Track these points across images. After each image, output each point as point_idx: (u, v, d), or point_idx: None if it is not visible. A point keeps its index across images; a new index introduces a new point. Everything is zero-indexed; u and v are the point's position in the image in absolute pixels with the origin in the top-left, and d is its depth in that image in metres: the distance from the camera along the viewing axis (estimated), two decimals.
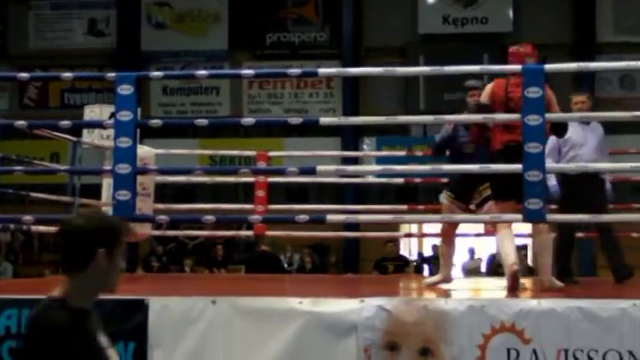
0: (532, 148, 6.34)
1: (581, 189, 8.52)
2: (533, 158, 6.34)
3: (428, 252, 20.26)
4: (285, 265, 18.93)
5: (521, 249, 20.02)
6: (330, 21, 23.59)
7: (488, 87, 7.54)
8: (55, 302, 3.27)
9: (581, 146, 8.82)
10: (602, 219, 7.16)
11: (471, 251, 19.52)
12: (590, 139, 8.85)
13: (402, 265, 16.56)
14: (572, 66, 8.51)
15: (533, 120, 6.36)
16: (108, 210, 9.53)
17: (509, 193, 7.06)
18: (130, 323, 5.85)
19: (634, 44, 21.98)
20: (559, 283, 7.30)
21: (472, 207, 8.04)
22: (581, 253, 21.34)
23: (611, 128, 20.33)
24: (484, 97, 7.51)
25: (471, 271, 18.36)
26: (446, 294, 6.82)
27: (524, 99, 6.47)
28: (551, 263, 7.54)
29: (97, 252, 3.29)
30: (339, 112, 22.47)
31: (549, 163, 8.37)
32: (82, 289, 3.32)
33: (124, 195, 6.57)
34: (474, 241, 18.44)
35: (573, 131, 8.60)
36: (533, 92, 6.42)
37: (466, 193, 8.08)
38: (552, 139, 8.49)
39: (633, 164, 7.69)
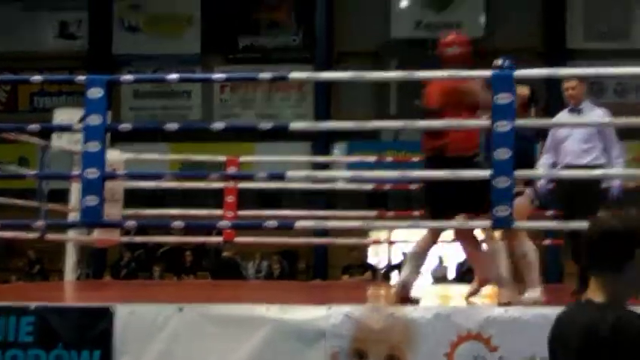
0: (501, 154, 6.34)
1: (568, 190, 8.24)
2: (501, 165, 6.34)
3: (397, 259, 20.27)
4: (252, 272, 18.94)
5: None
6: (303, 25, 23.59)
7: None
8: (614, 307, 3.18)
9: (565, 138, 8.45)
10: (570, 226, 7.15)
11: (440, 258, 19.57)
12: (577, 130, 8.40)
13: (365, 272, 16.68)
14: (542, 72, 8.54)
15: (501, 126, 6.37)
16: (75, 215, 9.50)
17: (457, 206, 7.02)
18: (96, 330, 5.82)
19: (604, 51, 22.15)
20: (509, 295, 7.05)
21: None
22: (548, 259, 21.47)
23: None
24: None
25: (439, 278, 18.40)
26: (413, 302, 6.82)
27: (493, 105, 6.47)
28: (501, 272, 7.42)
29: (635, 252, 3.20)
30: (310, 116, 22.46)
31: (543, 162, 8.43)
32: (620, 291, 3.23)
33: (92, 200, 6.52)
34: (442, 248, 18.48)
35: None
36: (503, 98, 6.42)
37: None
38: (551, 134, 8.46)
39: (599, 171, 7.74)
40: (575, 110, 8.57)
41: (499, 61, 8.13)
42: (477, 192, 6.68)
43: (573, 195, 8.08)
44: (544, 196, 8.65)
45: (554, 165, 8.57)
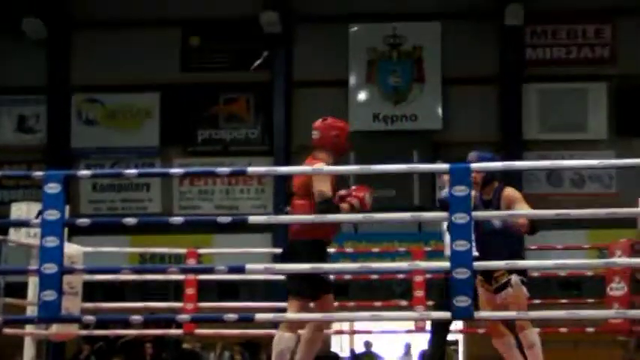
0: (459, 246, 6.38)
1: None
2: (460, 256, 6.38)
3: (359, 348, 20.21)
4: None
5: (452, 344, 20.11)
6: (261, 118, 23.74)
7: None
8: None
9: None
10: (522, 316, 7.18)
11: (407, 347, 19.53)
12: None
13: None
14: (499, 165, 8.60)
15: (460, 218, 6.42)
16: (33, 310, 9.40)
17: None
18: None
19: (559, 141, 22.53)
20: None
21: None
22: None
23: (539, 224, 20.75)
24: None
25: None
26: None
27: (451, 197, 6.52)
28: None
29: None
30: (270, 208, 22.50)
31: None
32: None
33: (49, 295, 6.47)
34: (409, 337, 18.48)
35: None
36: (460, 190, 6.47)
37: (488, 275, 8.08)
38: None
39: (558, 261, 7.79)
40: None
41: (472, 155, 8.23)
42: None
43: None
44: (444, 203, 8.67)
45: None
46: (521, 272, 8.07)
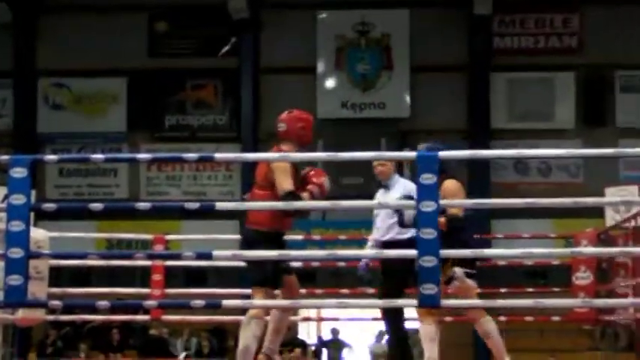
0: (426, 234, 6.40)
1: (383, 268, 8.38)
2: (427, 244, 6.39)
3: (327, 336, 20.26)
4: (180, 349, 18.74)
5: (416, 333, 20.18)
6: (229, 104, 23.72)
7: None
8: None
9: (377, 215, 8.61)
10: (495, 304, 7.22)
11: (380, 333, 19.57)
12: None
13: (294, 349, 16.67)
14: (466, 153, 8.62)
15: (427, 206, 6.43)
16: None
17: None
18: None
19: (526, 130, 22.65)
20: None
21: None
22: (476, 336, 21.60)
23: (506, 213, 20.91)
24: None
25: (378, 354, 18.36)
26: None
27: (419, 185, 6.53)
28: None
29: None
30: (238, 194, 22.47)
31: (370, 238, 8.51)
32: None
33: (15, 280, 6.44)
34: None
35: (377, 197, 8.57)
36: (427, 179, 6.49)
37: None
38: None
39: (524, 250, 7.82)
40: (384, 186, 8.64)
41: (422, 146, 8.24)
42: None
43: (385, 272, 8.22)
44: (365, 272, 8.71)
45: (376, 242, 8.65)
46: (467, 264, 8.03)
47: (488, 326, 7.60)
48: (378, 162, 8.64)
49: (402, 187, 8.58)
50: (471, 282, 7.85)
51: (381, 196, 8.67)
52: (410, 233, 7.99)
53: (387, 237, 8.45)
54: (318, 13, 23.44)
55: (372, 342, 19.72)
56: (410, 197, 7.61)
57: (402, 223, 7.89)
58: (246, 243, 7.59)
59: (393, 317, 8.50)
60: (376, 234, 8.66)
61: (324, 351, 19.98)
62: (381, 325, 18.91)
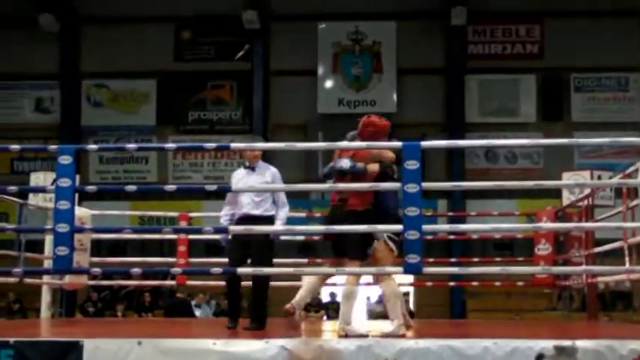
0: (410, 211, 6.41)
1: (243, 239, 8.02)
2: (411, 220, 6.41)
3: (326, 299, 20.28)
4: (199, 310, 18.74)
5: (404, 295, 20.22)
6: (243, 101, 23.77)
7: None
8: None
9: (242, 194, 8.18)
10: (470, 271, 7.22)
11: (380, 296, 19.52)
12: (251, 185, 8.14)
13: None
14: (444, 143, 8.66)
15: (411, 188, 6.45)
16: (49, 263, 9.39)
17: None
18: None
19: (496, 124, 22.72)
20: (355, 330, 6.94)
21: None
22: (452, 298, 21.65)
23: (478, 194, 20.95)
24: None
25: (377, 314, 18.28)
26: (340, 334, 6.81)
27: (404, 170, 6.53)
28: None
29: None
30: None
31: (224, 213, 8.43)
32: None
33: (62, 250, 6.46)
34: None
35: (239, 179, 8.28)
36: (411, 165, 6.50)
37: None
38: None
39: (493, 225, 7.83)
40: (250, 168, 8.29)
41: (349, 134, 8.10)
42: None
43: (248, 243, 7.95)
44: (226, 242, 8.34)
45: (232, 216, 8.40)
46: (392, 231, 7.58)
47: (388, 289, 7.22)
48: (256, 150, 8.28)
49: (268, 170, 8.32)
50: (392, 245, 7.41)
51: (245, 175, 8.29)
52: (271, 212, 8.10)
53: (258, 211, 8.09)
54: (318, 23, 23.43)
55: (371, 303, 19.72)
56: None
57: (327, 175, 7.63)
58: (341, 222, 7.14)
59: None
60: (239, 209, 8.17)
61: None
62: (373, 290, 19.03)
